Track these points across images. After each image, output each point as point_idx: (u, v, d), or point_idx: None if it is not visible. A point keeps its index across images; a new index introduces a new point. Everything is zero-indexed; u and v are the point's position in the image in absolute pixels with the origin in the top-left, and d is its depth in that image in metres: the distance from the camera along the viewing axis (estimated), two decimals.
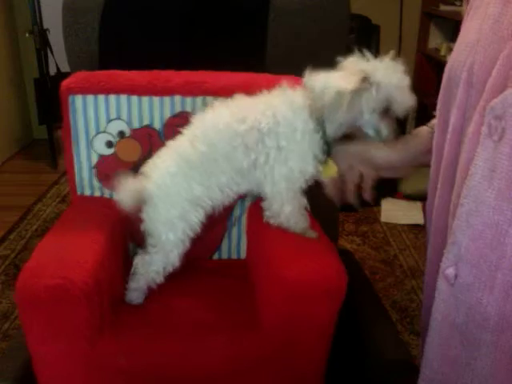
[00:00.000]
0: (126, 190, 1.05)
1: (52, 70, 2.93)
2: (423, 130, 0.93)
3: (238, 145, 1.03)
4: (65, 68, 2.40)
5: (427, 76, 3.07)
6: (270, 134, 1.02)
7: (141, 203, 1.08)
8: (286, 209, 1.06)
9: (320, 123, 1.02)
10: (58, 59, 2.80)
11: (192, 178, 1.06)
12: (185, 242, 1.08)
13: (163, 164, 1.08)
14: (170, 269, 1.09)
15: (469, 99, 0.68)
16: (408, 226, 2.39)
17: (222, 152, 1.04)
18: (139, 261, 1.10)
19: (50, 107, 2.90)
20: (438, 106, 0.78)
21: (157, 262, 1.08)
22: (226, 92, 1.19)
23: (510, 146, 0.58)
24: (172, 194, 1.06)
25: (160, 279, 1.10)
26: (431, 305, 0.82)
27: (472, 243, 0.64)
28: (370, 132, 1.02)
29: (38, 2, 2.83)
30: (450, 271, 0.67)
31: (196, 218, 1.07)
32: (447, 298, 0.68)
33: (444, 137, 0.75)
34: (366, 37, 2.95)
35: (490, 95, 0.62)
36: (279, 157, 1.03)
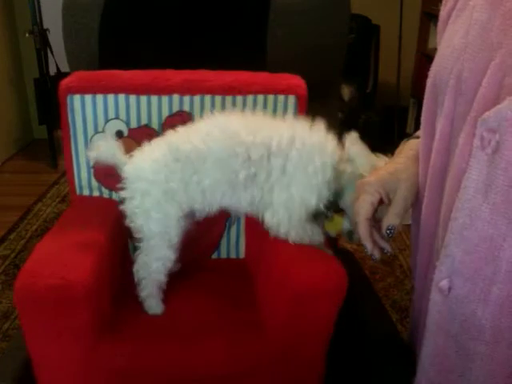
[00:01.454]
0: (104, 147, 1.07)
1: (52, 70, 2.93)
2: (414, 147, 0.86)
3: (239, 153, 0.99)
4: (65, 68, 2.39)
5: (427, 76, 3.06)
6: (279, 154, 0.99)
7: (111, 165, 1.08)
8: (292, 234, 1.02)
9: (337, 180, 1.00)
10: (58, 59, 2.80)
11: (173, 169, 1.02)
12: (170, 234, 1.05)
13: (148, 149, 1.06)
14: (168, 264, 1.06)
15: (457, 107, 0.66)
16: (408, 226, 2.39)
17: (217, 155, 1.00)
18: (138, 265, 1.07)
19: (50, 107, 2.90)
20: (424, 112, 0.77)
21: (151, 259, 1.05)
22: (225, 91, 1.19)
23: (506, 160, 0.57)
24: (147, 181, 1.03)
25: (163, 278, 1.07)
26: (421, 307, 0.82)
27: (466, 256, 0.63)
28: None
29: (38, 2, 2.83)
30: (444, 283, 0.66)
31: (172, 210, 1.03)
32: (441, 310, 0.68)
33: (431, 144, 0.74)
34: (366, 37, 2.95)
35: (481, 106, 0.61)
36: (282, 180, 0.99)
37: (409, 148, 0.85)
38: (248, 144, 0.99)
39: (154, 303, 1.08)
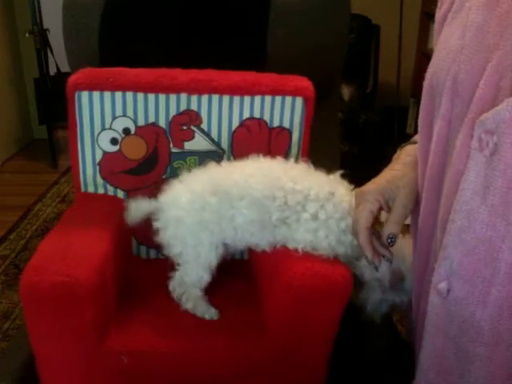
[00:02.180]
0: (135, 209, 1.09)
1: (52, 70, 2.93)
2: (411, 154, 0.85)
3: (278, 197, 1.01)
4: (65, 68, 2.40)
5: None
6: (315, 201, 1.00)
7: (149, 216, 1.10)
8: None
9: None
10: (58, 59, 2.80)
11: (209, 202, 1.04)
12: (207, 258, 1.06)
13: (187, 180, 1.09)
14: (203, 283, 1.07)
15: (454, 109, 0.66)
16: (408, 225, 2.39)
17: (256, 195, 1.02)
18: (174, 282, 1.08)
19: (50, 107, 2.90)
20: (421, 114, 0.76)
21: (187, 280, 1.07)
22: (232, 91, 1.20)
23: (504, 162, 0.57)
24: (183, 209, 1.05)
25: (199, 293, 1.08)
26: (419, 308, 0.82)
27: (465, 258, 0.63)
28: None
29: (38, 2, 2.83)
30: (443, 286, 0.66)
31: (206, 238, 1.05)
32: (440, 312, 0.68)
33: (428, 146, 0.74)
34: (366, 37, 2.95)
35: (478, 107, 0.61)
36: (310, 224, 1.00)
37: (406, 154, 0.85)
38: (287, 190, 1.01)
39: (204, 309, 1.07)
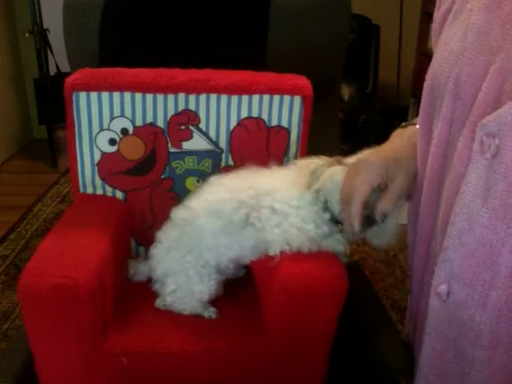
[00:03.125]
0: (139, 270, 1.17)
1: (52, 70, 2.93)
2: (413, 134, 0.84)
3: (229, 198, 1.02)
4: (65, 68, 2.40)
5: None
6: (266, 193, 1.01)
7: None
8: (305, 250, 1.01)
9: (320, 199, 0.99)
10: (58, 59, 2.80)
11: (172, 238, 1.09)
12: (198, 292, 1.07)
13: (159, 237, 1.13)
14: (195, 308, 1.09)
15: (456, 111, 0.66)
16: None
17: (210, 205, 1.04)
18: (159, 303, 1.10)
19: (50, 107, 2.90)
20: (420, 116, 0.76)
21: (177, 306, 1.08)
22: (230, 90, 1.19)
23: (506, 165, 0.57)
24: (164, 253, 1.10)
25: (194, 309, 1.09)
26: (418, 310, 0.82)
27: (465, 261, 0.63)
28: None
29: (38, 2, 2.82)
30: (443, 288, 0.66)
31: (190, 270, 1.06)
32: (440, 314, 0.68)
33: (427, 148, 0.74)
34: (366, 37, 2.96)
35: (481, 110, 0.61)
36: (273, 219, 1.00)
37: (407, 136, 0.84)
38: (236, 188, 1.03)
39: (202, 307, 1.08)
